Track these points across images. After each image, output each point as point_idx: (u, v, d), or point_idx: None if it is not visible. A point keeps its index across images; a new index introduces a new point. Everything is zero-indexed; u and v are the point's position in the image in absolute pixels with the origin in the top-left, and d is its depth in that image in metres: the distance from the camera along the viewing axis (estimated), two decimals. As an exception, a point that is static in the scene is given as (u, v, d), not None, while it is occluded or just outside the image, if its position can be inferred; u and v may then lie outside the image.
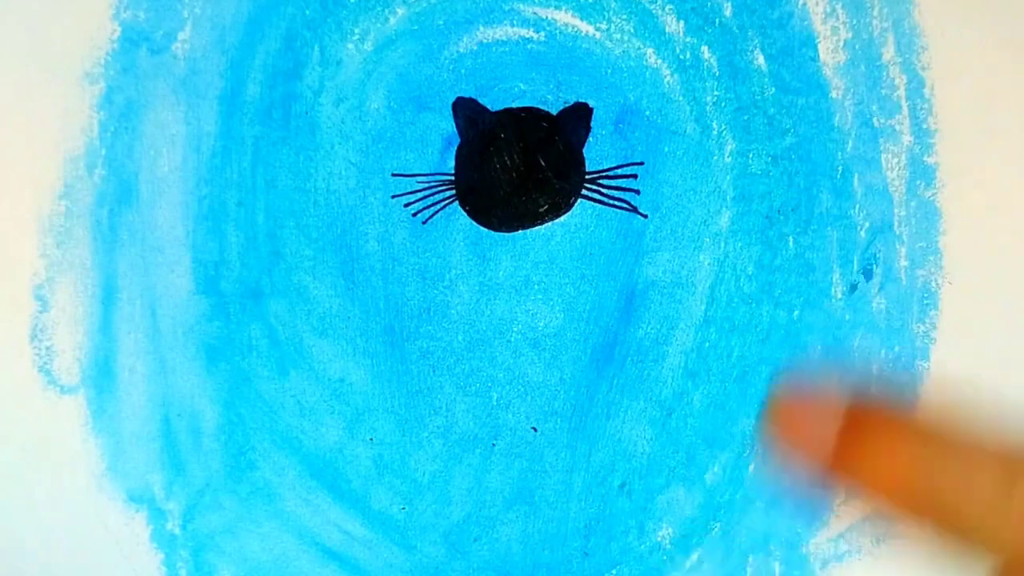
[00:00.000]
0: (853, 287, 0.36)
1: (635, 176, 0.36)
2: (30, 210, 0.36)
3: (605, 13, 0.36)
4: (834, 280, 0.36)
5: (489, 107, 0.36)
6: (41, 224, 0.36)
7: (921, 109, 0.36)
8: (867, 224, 0.36)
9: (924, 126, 0.36)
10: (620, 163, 0.36)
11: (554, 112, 0.36)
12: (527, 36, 0.37)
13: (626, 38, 0.36)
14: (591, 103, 0.36)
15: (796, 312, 0.36)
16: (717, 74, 0.36)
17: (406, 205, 0.36)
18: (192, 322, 0.36)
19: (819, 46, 0.36)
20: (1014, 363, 0.36)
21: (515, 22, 0.37)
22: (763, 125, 0.36)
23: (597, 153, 0.36)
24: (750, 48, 0.36)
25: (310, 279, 0.36)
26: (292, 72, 0.37)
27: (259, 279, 0.36)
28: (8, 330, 0.36)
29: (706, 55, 0.36)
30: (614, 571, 0.36)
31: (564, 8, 0.36)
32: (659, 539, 0.36)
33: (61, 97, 0.36)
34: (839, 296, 0.36)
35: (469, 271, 0.36)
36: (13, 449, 0.36)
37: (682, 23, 0.36)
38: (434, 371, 0.36)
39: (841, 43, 0.36)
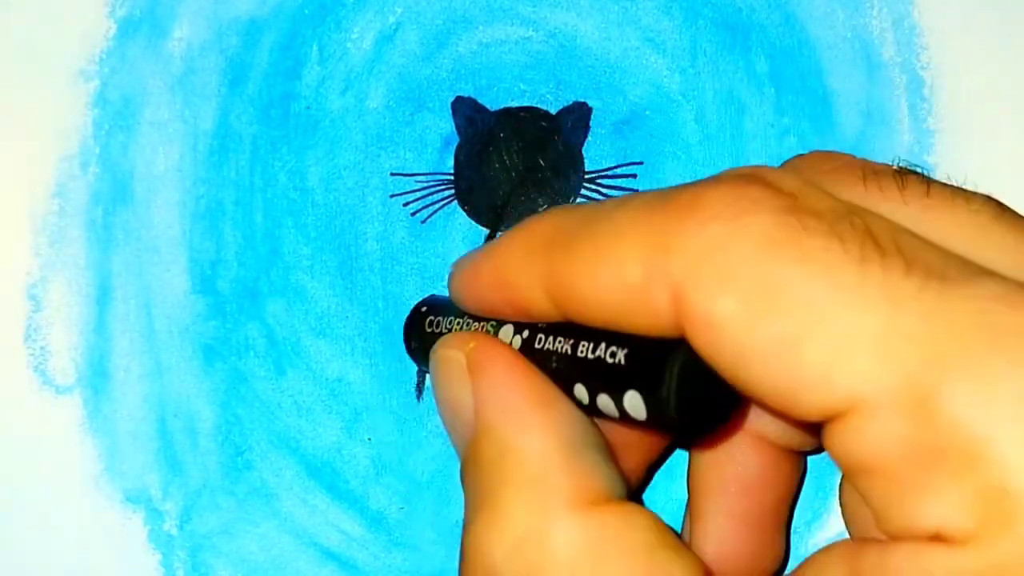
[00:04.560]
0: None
1: (635, 176, 0.36)
2: (23, 209, 0.36)
3: (605, 12, 0.36)
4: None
5: (488, 107, 0.36)
6: (34, 223, 0.36)
7: (921, 109, 0.36)
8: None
9: (924, 126, 0.36)
10: (620, 163, 0.36)
11: (554, 112, 0.36)
12: (527, 36, 0.36)
13: (626, 37, 0.36)
14: (591, 103, 0.36)
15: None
16: (717, 74, 0.36)
17: (405, 204, 0.36)
18: (188, 322, 0.36)
19: (819, 46, 0.36)
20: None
21: (515, 22, 0.36)
22: (763, 125, 0.36)
23: (597, 153, 0.36)
24: (750, 48, 0.36)
25: (308, 278, 0.36)
26: (291, 71, 0.36)
27: (256, 278, 0.36)
28: (2, 330, 0.36)
29: (706, 55, 0.36)
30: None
31: (564, 8, 0.36)
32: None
33: (55, 94, 0.36)
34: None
35: (468, 271, 0.36)
36: (9, 450, 0.36)
37: (682, 23, 0.36)
38: (433, 371, 0.36)
39: (841, 43, 0.36)
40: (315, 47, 0.36)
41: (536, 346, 0.25)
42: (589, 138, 0.36)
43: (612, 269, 0.21)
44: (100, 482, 0.36)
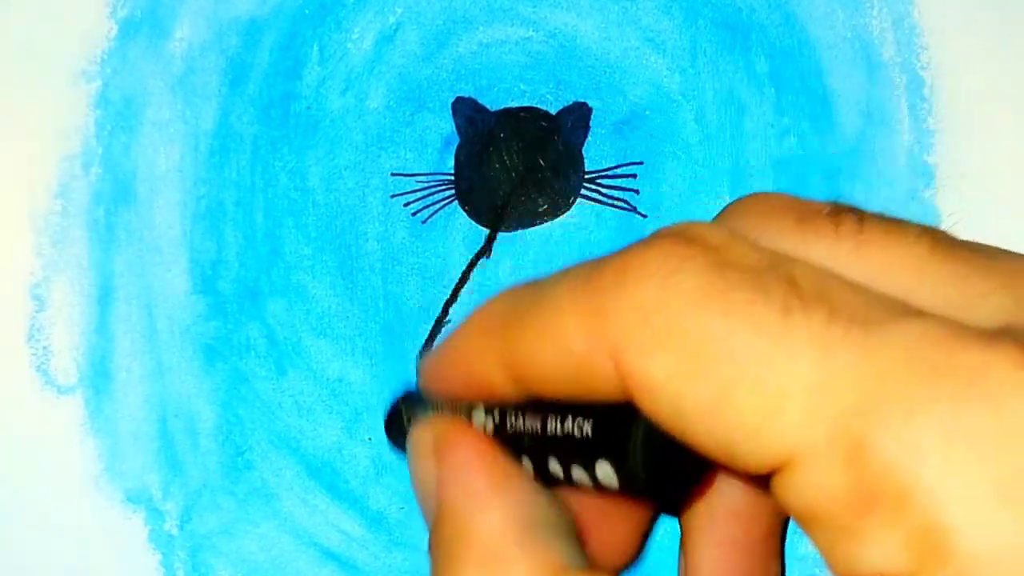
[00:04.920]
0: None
1: (635, 176, 0.36)
2: (26, 209, 0.36)
3: (605, 12, 0.36)
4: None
5: (489, 107, 0.36)
6: (37, 223, 0.36)
7: (921, 109, 0.36)
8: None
9: (924, 126, 0.36)
10: (620, 163, 0.36)
11: (554, 112, 0.36)
12: (527, 36, 0.37)
13: (626, 37, 0.36)
14: (591, 103, 0.36)
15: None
16: (717, 74, 0.36)
17: (405, 204, 0.36)
18: (189, 322, 0.36)
19: (819, 46, 0.36)
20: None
21: (515, 22, 0.37)
22: (763, 125, 0.36)
23: (597, 153, 0.36)
24: (750, 48, 0.36)
25: (309, 278, 0.36)
26: (291, 71, 0.36)
27: (257, 279, 0.36)
28: (5, 330, 0.36)
29: (706, 55, 0.36)
30: (613, 571, 0.36)
31: (564, 8, 0.36)
32: (657, 540, 0.36)
33: (57, 95, 0.36)
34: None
35: (468, 271, 0.36)
36: (11, 449, 0.36)
37: (682, 23, 0.36)
38: (433, 371, 0.36)
39: (841, 43, 0.36)
40: (315, 47, 0.36)
41: (508, 426, 0.25)
42: (589, 138, 0.36)
43: (558, 342, 0.21)
44: (101, 482, 0.36)
